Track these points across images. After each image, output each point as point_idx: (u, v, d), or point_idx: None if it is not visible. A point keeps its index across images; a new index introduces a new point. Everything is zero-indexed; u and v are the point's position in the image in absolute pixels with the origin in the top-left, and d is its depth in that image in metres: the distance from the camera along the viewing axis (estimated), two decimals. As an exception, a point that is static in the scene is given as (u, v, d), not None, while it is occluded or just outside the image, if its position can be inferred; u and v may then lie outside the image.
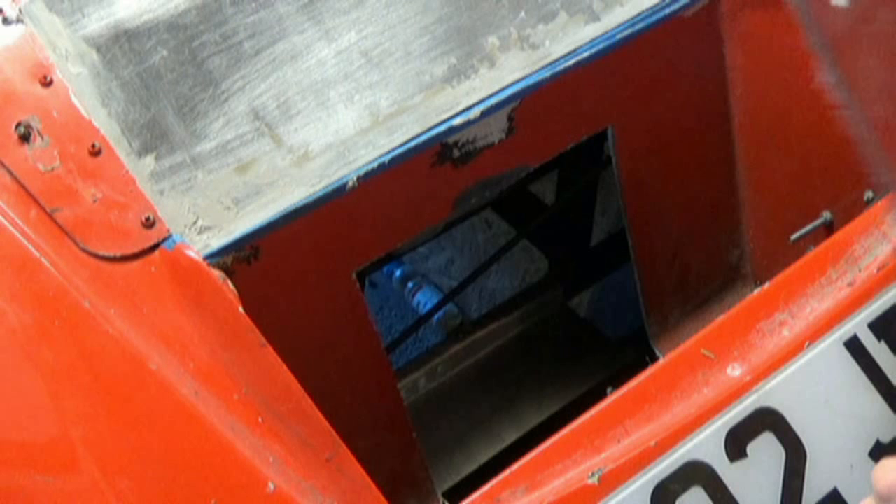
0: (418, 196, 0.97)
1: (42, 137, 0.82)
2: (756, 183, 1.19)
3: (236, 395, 0.75)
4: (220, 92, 0.89)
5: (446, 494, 1.17)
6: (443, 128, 0.93)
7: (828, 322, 0.84)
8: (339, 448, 0.74)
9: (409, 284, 2.30)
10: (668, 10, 1.04)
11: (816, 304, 0.86)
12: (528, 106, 0.99)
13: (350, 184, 0.89)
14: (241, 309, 0.77)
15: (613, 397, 0.80)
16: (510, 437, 1.40)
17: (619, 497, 0.75)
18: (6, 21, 0.87)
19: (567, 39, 1.00)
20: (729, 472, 0.77)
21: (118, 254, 0.79)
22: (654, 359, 1.22)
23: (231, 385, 0.75)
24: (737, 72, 1.14)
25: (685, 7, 1.05)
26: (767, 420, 0.79)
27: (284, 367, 0.75)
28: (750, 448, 0.78)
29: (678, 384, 0.80)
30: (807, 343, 0.81)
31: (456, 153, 0.97)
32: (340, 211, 0.90)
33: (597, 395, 0.81)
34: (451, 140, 0.95)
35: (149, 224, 0.81)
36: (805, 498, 0.79)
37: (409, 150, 0.92)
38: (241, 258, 0.86)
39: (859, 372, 0.82)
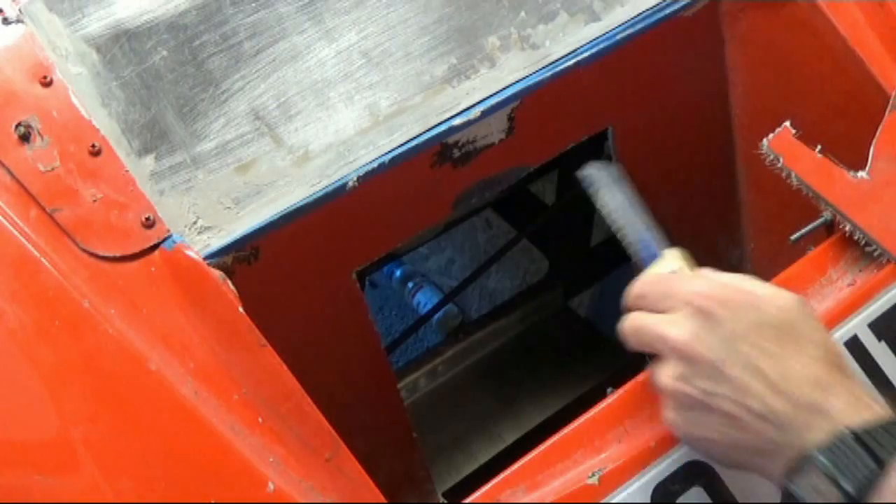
0: (418, 196, 0.97)
1: (42, 137, 0.82)
2: (756, 183, 1.19)
3: (236, 395, 0.75)
4: (220, 92, 0.89)
5: (446, 494, 1.17)
6: (443, 128, 0.94)
7: (828, 322, 0.84)
8: (339, 448, 0.74)
9: (409, 284, 2.31)
10: (668, 10, 1.04)
11: (816, 304, 0.86)
12: (529, 106, 0.99)
13: (350, 184, 0.89)
14: (241, 309, 0.77)
15: (613, 397, 0.80)
16: (510, 437, 1.40)
17: (619, 497, 0.75)
18: (6, 21, 0.87)
19: (567, 39, 1.00)
20: (729, 472, 0.77)
21: (118, 254, 0.79)
22: (653, 359, 1.22)
23: (231, 385, 0.75)
24: (737, 72, 1.14)
25: (685, 7, 1.05)
26: (767, 420, 0.79)
27: (284, 367, 0.75)
28: (750, 448, 0.78)
29: (678, 384, 0.80)
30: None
31: (456, 153, 0.97)
32: (340, 211, 0.90)
33: (597, 395, 0.81)
34: (451, 140, 0.95)
35: (149, 224, 0.81)
36: (805, 498, 0.79)
37: (409, 150, 0.92)
38: (241, 258, 0.86)
39: (860, 372, 0.82)
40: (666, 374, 0.70)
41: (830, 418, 0.64)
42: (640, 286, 0.75)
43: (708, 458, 0.73)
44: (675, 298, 0.71)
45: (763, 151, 0.92)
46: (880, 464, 0.61)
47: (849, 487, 0.61)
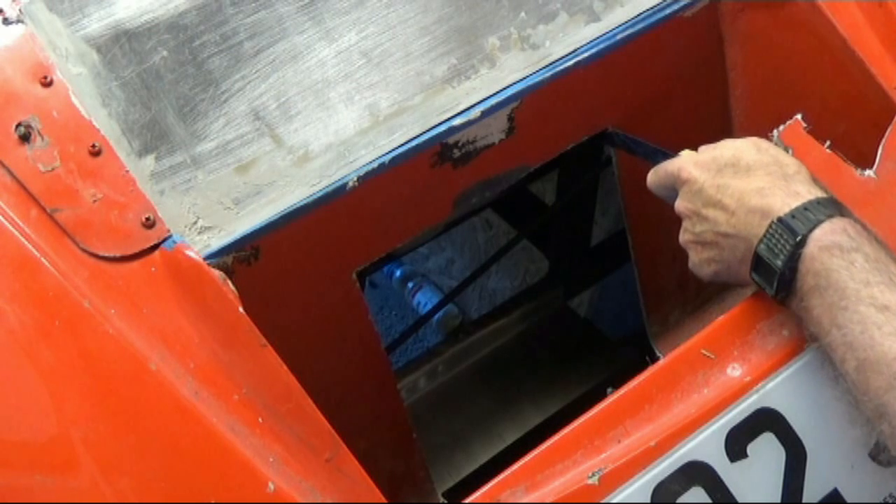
0: (418, 196, 0.97)
1: (42, 138, 0.82)
2: (756, 183, 1.19)
3: (236, 396, 0.75)
4: (220, 92, 0.89)
5: (446, 494, 1.17)
6: (443, 128, 0.94)
7: (827, 322, 0.83)
8: (339, 448, 0.74)
9: (409, 284, 2.31)
10: (668, 10, 1.04)
11: (816, 305, 0.86)
12: (529, 106, 0.99)
13: (350, 184, 0.89)
14: (241, 309, 0.77)
15: (613, 397, 0.80)
16: (510, 437, 1.40)
17: (619, 497, 0.75)
18: (6, 21, 0.87)
19: (567, 39, 1.00)
20: (729, 472, 0.77)
21: (118, 254, 0.79)
22: (654, 359, 1.22)
23: (231, 385, 0.75)
24: (737, 72, 1.14)
25: (685, 7, 1.05)
26: (767, 420, 0.79)
27: (284, 368, 0.75)
28: (750, 448, 0.79)
29: (678, 384, 0.80)
30: (807, 343, 0.81)
31: (456, 153, 0.97)
32: (340, 211, 0.90)
33: (597, 395, 0.81)
34: (451, 140, 0.95)
35: (149, 224, 0.81)
36: (805, 498, 0.80)
37: (410, 151, 0.92)
38: (241, 258, 0.86)
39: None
40: (681, 234, 0.89)
41: (768, 215, 0.79)
42: (650, 177, 0.95)
43: (725, 281, 0.89)
44: (673, 176, 0.90)
45: (773, 143, 0.91)
46: (800, 237, 0.75)
47: (778, 263, 0.77)
